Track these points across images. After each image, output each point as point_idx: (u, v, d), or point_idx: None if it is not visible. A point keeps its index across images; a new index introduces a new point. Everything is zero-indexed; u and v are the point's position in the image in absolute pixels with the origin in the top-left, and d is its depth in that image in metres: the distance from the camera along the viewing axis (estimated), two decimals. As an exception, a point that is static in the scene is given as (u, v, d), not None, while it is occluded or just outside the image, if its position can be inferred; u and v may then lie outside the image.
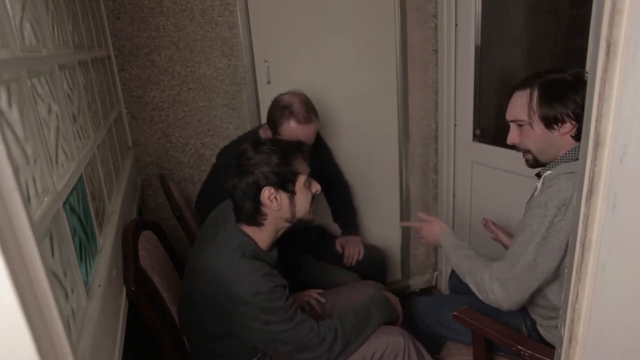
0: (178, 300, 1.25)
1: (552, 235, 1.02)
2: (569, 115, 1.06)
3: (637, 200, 0.52)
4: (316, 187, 1.19)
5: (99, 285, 0.86)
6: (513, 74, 2.10)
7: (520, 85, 1.14)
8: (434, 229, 1.33)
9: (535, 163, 1.17)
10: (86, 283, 0.82)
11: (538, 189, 1.11)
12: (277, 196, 1.10)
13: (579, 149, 1.07)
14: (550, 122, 1.09)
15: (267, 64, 1.94)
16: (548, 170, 1.11)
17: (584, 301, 0.59)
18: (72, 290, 0.71)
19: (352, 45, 2.05)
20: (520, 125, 1.14)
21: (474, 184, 2.14)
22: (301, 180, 1.13)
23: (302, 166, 1.13)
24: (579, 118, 1.06)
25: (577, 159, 1.07)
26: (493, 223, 1.47)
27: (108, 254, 0.98)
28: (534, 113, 1.10)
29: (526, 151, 1.17)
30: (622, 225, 0.54)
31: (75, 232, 0.79)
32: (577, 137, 1.08)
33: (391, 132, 2.25)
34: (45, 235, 0.62)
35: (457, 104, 2.13)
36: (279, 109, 1.54)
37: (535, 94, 1.10)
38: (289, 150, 1.12)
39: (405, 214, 2.39)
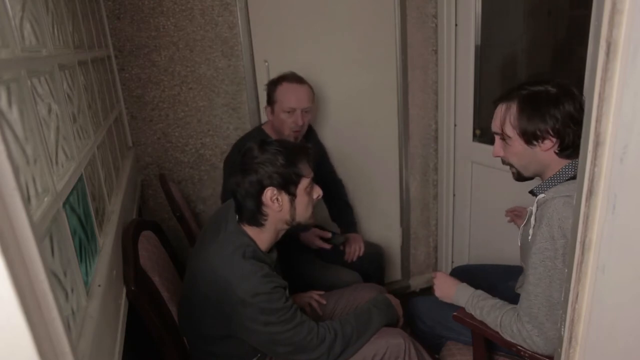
0: (178, 300, 1.25)
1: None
2: (548, 132, 1.03)
3: (637, 200, 0.52)
4: (318, 192, 1.18)
5: (99, 285, 0.86)
6: (513, 75, 2.10)
7: (503, 98, 1.11)
8: (446, 284, 1.28)
9: (519, 177, 1.15)
10: (86, 283, 0.82)
11: (533, 214, 1.08)
12: (279, 197, 1.10)
13: (571, 167, 1.05)
14: (529, 138, 1.05)
15: (267, 64, 1.94)
16: (541, 192, 1.08)
17: (584, 301, 0.59)
18: (72, 290, 0.71)
19: (352, 45, 2.06)
20: (503, 139, 1.12)
21: (474, 184, 2.14)
22: (304, 183, 1.12)
23: (306, 170, 1.13)
24: (559, 134, 1.03)
25: (569, 179, 1.05)
26: (512, 212, 1.45)
27: (108, 254, 0.98)
28: (514, 128, 1.07)
29: (510, 165, 1.15)
30: (622, 225, 0.54)
31: (75, 232, 0.79)
32: (561, 153, 1.05)
33: (391, 132, 2.25)
34: (45, 235, 0.62)
35: (457, 104, 2.13)
36: (273, 82, 1.67)
37: (515, 108, 1.06)
38: (294, 152, 1.11)
39: (405, 214, 2.39)
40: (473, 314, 1.19)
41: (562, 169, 1.07)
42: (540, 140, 1.05)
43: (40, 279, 0.49)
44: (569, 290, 0.61)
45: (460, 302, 1.23)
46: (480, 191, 2.12)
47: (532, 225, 1.09)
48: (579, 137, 1.01)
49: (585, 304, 0.59)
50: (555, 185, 1.07)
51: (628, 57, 0.48)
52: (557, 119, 1.02)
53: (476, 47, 1.97)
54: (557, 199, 1.01)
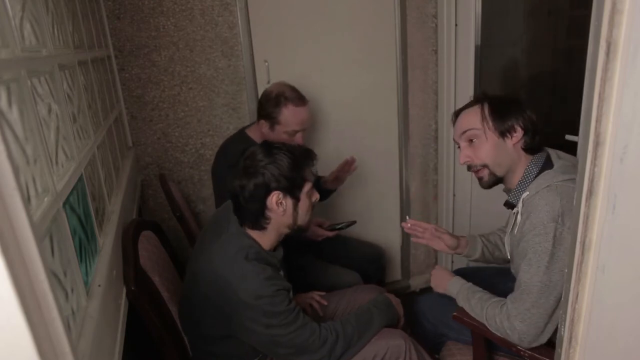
0: (178, 300, 1.25)
1: (559, 249, 1.02)
2: (518, 124, 1.13)
3: (637, 200, 0.52)
4: (316, 196, 1.19)
5: (99, 285, 0.86)
6: (513, 74, 2.10)
7: (468, 105, 1.21)
8: (441, 275, 1.34)
9: (490, 179, 1.19)
10: (86, 283, 0.82)
11: (519, 213, 1.12)
12: (284, 201, 1.10)
13: (533, 165, 1.14)
14: (503, 131, 1.14)
15: (267, 64, 1.94)
16: (517, 199, 1.14)
17: (584, 301, 0.59)
18: (72, 290, 0.71)
19: (352, 45, 2.05)
20: (471, 141, 1.17)
21: (474, 184, 2.14)
22: (307, 187, 1.13)
23: (309, 174, 1.13)
24: (526, 128, 1.13)
25: (538, 174, 1.12)
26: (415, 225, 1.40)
27: (108, 254, 0.98)
28: (488, 122, 1.15)
29: (481, 167, 1.18)
30: (622, 225, 0.54)
31: (75, 232, 0.79)
32: (526, 149, 1.15)
33: (391, 132, 2.25)
34: (45, 235, 0.62)
35: (457, 104, 2.13)
36: (273, 100, 1.58)
37: (487, 106, 1.16)
38: (300, 156, 1.11)
39: (405, 214, 2.38)
40: (463, 306, 1.22)
41: (525, 170, 1.15)
42: (512, 132, 1.14)
43: (40, 279, 0.49)
44: (569, 290, 0.61)
45: (452, 293, 1.27)
46: (480, 191, 2.11)
47: (518, 225, 1.13)
48: (537, 136, 1.15)
49: (585, 304, 0.59)
50: (527, 185, 1.13)
51: (628, 57, 0.48)
52: (523, 115, 1.14)
53: (476, 47, 1.97)
54: (541, 190, 1.07)
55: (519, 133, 1.13)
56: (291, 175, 1.08)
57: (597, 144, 0.52)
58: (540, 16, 1.95)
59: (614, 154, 0.51)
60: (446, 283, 1.30)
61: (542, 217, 1.03)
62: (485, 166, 1.18)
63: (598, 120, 0.52)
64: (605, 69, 0.49)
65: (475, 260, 1.44)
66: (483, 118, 1.15)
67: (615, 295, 0.57)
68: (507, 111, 1.14)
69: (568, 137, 1.55)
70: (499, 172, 1.17)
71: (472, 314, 1.19)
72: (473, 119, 1.17)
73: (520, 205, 1.12)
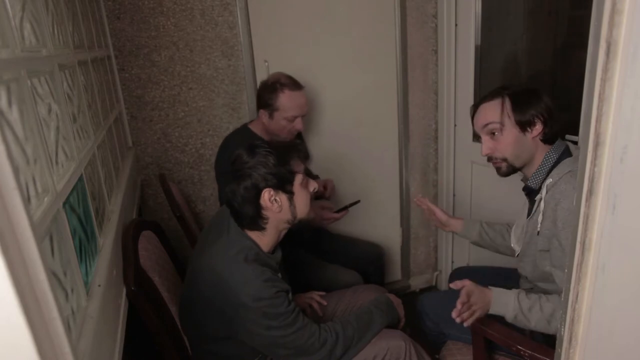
0: (178, 300, 1.25)
1: None
2: (538, 117, 1.15)
3: (637, 200, 0.52)
4: (313, 185, 1.18)
5: (99, 285, 0.86)
6: (513, 74, 2.10)
7: (488, 97, 1.21)
8: (479, 294, 1.14)
9: (508, 170, 1.21)
10: (86, 283, 0.82)
11: (542, 199, 1.13)
12: (277, 197, 1.09)
13: (552, 153, 1.16)
14: (524, 125, 1.15)
15: (267, 64, 1.94)
16: (547, 178, 1.15)
17: (584, 301, 0.59)
18: (72, 290, 0.71)
19: (352, 45, 2.06)
20: (493, 134, 1.19)
21: (474, 183, 2.14)
22: (298, 179, 1.12)
23: (298, 166, 1.13)
24: (545, 120, 1.15)
25: (557, 161, 1.15)
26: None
27: (108, 254, 0.98)
28: (509, 117, 1.16)
29: (501, 160, 1.21)
30: (622, 225, 0.54)
31: (75, 232, 0.79)
32: (545, 140, 1.17)
33: (391, 132, 2.25)
34: (45, 235, 0.62)
35: (457, 104, 2.13)
36: (269, 88, 1.62)
37: (507, 101, 1.17)
38: (284, 150, 1.11)
39: (405, 214, 2.39)
40: (520, 322, 1.11)
41: (545, 157, 1.17)
42: (532, 126, 1.16)
43: (40, 279, 0.49)
44: (569, 290, 0.61)
45: (505, 313, 1.13)
46: (480, 191, 2.12)
47: (541, 211, 1.14)
48: (556, 124, 1.17)
49: (585, 304, 0.59)
50: (547, 170, 1.16)
51: (628, 57, 0.48)
52: (542, 107, 1.15)
53: (476, 47, 1.97)
54: (564, 176, 1.10)
55: (539, 126, 1.15)
56: (278, 170, 1.08)
57: (597, 144, 0.52)
58: (540, 16, 1.95)
59: (614, 154, 0.51)
60: (488, 302, 1.14)
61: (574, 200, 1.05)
62: (504, 159, 1.20)
63: (598, 120, 0.52)
64: (605, 69, 0.49)
65: (475, 243, 1.49)
66: (505, 113, 1.16)
67: (615, 295, 0.57)
68: (528, 105, 1.15)
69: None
70: (517, 164, 1.20)
71: (531, 326, 1.11)
72: (494, 112, 1.18)
73: (544, 191, 1.14)
